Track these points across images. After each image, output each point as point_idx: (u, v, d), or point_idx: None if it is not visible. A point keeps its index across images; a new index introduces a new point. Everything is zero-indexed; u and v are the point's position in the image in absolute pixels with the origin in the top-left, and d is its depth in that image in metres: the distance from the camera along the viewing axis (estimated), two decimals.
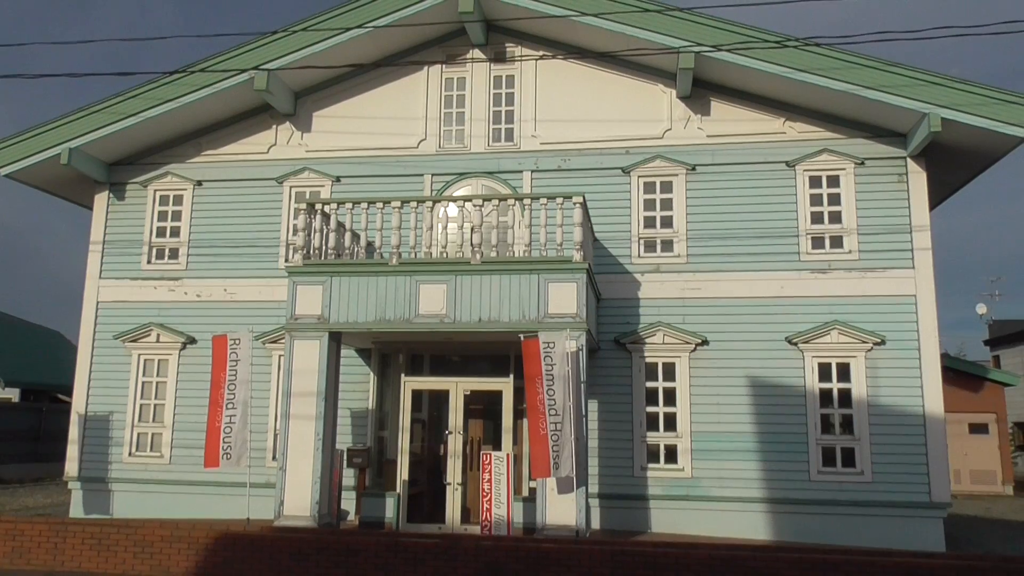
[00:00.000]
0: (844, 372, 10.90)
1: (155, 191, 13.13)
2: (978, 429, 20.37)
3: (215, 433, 10.04)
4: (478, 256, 9.71)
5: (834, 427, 10.84)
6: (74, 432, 12.43)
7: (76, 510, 12.22)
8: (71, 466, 12.35)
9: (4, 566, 8.41)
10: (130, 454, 12.28)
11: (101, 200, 13.22)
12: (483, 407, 11.02)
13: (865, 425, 10.68)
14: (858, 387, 10.80)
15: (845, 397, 10.84)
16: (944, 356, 16.92)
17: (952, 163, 11.27)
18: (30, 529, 8.58)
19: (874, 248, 11.08)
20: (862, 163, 11.34)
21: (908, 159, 11.17)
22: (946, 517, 10.45)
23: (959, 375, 19.84)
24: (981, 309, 30.33)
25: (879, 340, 10.79)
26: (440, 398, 11.03)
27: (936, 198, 12.45)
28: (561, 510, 8.90)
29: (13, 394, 24.14)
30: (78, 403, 12.57)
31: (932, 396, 10.55)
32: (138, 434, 12.37)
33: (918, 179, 11.11)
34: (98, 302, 12.85)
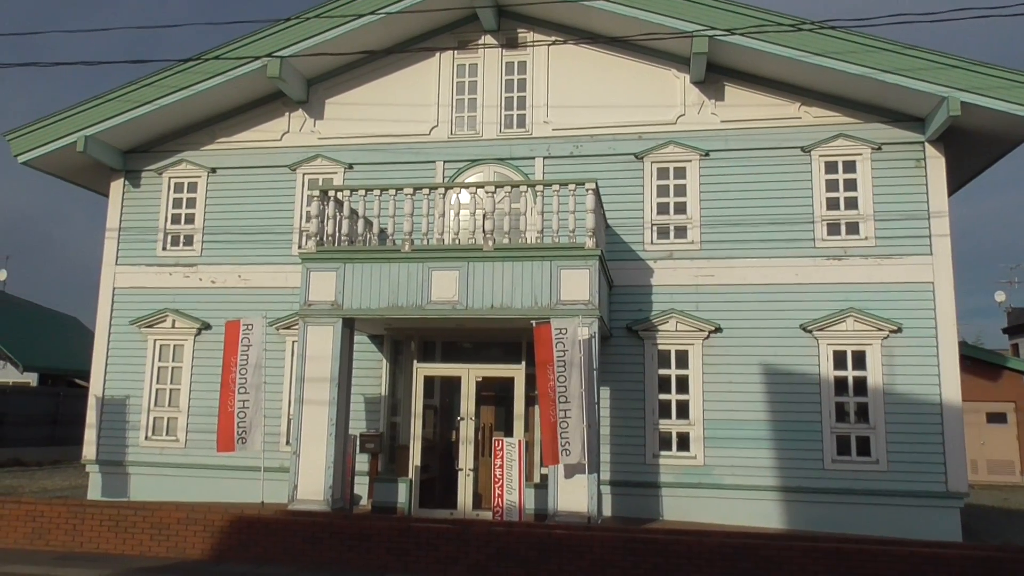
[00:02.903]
0: (860, 360, 10.79)
1: (170, 178, 13.20)
2: (996, 418, 20.16)
3: (228, 418, 10.13)
4: (490, 243, 9.68)
5: (849, 415, 10.76)
6: (91, 416, 12.60)
7: (94, 492, 12.40)
8: (89, 449, 12.52)
9: (25, 547, 8.54)
10: (146, 438, 12.43)
11: (117, 187, 13.32)
12: (495, 394, 11.03)
13: (881, 413, 10.59)
14: (874, 375, 10.70)
15: (860, 385, 10.74)
16: (962, 344, 16.71)
17: (971, 148, 11.09)
18: (49, 511, 8.70)
19: (891, 235, 10.94)
20: (879, 148, 11.18)
21: (926, 144, 11.00)
22: (963, 507, 10.36)
23: (977, 363, 19.63)
24: (1000, 297, 29.90)
25: (896, 328, 10.67)
26: (452, 384, 11.05)
27: (955, 183, 12.27)
28: (573, 497, 8.91)
29: (31, 379, 24.47)
30: (95, 388, 12.73)
31: (949, 384, 10.43)
32: (154, 418, 12.51)
33: (936, 164, 10.95)
34: (114, 288, 12.97)
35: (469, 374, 10.69)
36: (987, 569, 6.87)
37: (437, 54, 12.57)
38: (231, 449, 10.16)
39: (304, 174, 12.74)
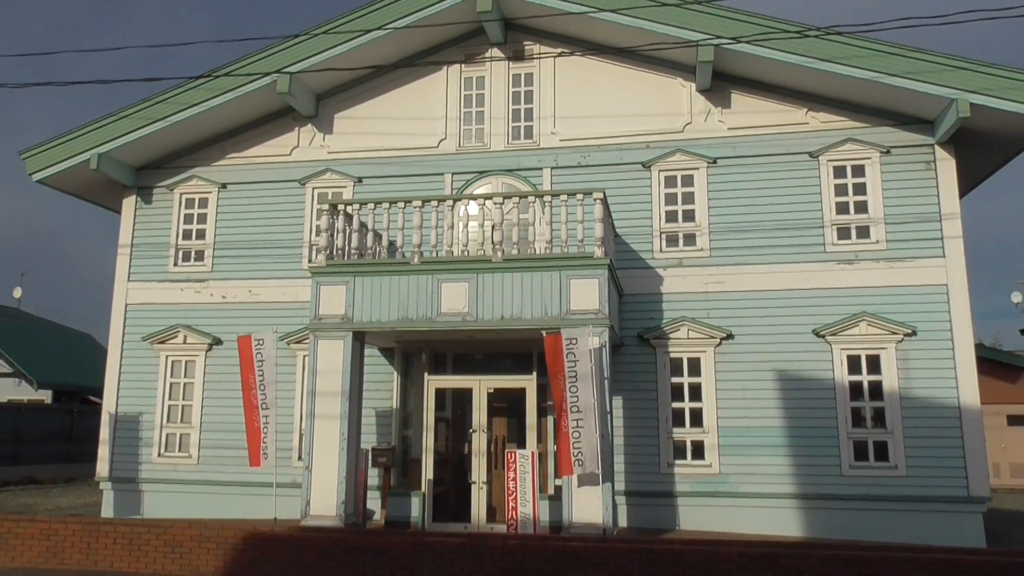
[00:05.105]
0: (874, 364, 10.69)
1: (181, 194, 13.30)
2: (1017, 421, 19.89)
3: (255, 434, 10.07)
4: (499, 254, 9.68)
5: (865, 420, 10.64)
6: (105, 433, 12.63)
7: (107, 510, 12.41)
8: (102, 467, 12.55)
9: (39, 565, 8.56)
10: (159, 455, 12.45)
11: (129, 204, 13.43)
12: (507, 405, 10.99)
13: (898, 418, 10.46)
14: (889, 379, 10.58)
15: (876, 390, 10.63)
16: (978, 346, 16.53)
17: (982, 149, 11.02)
18: (63, 529, 8.72)
19: (903, 238, 10.86)
20: (888, 152, 11.12)
21: (936, 146, 10.93)
22: (986, 512, 10.20)
23: (995, 365, 19.41)
24: (1016, 298, 29.54)
25: (910, 331, 10.57)
26: (464, 396, 11.02)
27: (966, 185, 12.19)
28: (587, 508, 8.84)
29: (45, 396, 24.61)
30: (108, 404, 12.77)
31: (967, 387, 10.30)
32: (167, 435, 12.54)
33: (947, 166, 10.87)
34: (127, 304, 13.05)
35: (480, 386, 10.65)
36: (1012, 575, 6.74)
37: (444, 68, 12.64)
38: (259, 464, 10.09)
39: (314, 188, 12.80)
